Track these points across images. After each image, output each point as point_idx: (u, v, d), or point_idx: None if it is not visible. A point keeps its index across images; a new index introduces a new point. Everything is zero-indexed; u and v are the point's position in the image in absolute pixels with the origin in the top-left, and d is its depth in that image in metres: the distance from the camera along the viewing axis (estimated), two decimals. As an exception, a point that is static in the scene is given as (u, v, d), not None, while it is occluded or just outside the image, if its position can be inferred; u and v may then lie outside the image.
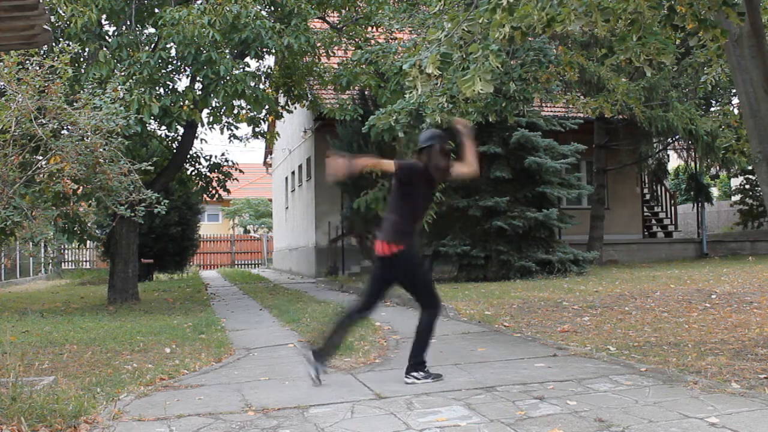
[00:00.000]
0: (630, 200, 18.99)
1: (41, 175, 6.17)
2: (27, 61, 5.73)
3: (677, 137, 16.66)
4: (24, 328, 7.80)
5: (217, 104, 10.37)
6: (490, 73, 4.38)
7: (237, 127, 13.00)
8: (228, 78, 9.51)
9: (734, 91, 9.44)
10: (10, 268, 18.14)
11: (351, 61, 11.36)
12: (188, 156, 12.92)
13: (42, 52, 7.73)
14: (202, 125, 11.05)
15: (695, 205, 19.18)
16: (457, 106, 6.93)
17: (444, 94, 6.35)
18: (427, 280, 4.74)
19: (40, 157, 6.32)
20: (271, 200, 29.95)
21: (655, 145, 18.04)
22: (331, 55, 12.04)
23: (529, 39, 6.64)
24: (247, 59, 10.79)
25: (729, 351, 5.04)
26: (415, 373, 4.53)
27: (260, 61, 11.94)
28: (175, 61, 10.11)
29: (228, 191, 14.48)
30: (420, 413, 3.75)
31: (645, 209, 20.03)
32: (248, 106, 10.80)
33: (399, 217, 4.57)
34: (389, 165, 4.63)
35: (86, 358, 5.71)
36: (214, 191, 13.98)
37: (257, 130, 12.88)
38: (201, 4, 9.86)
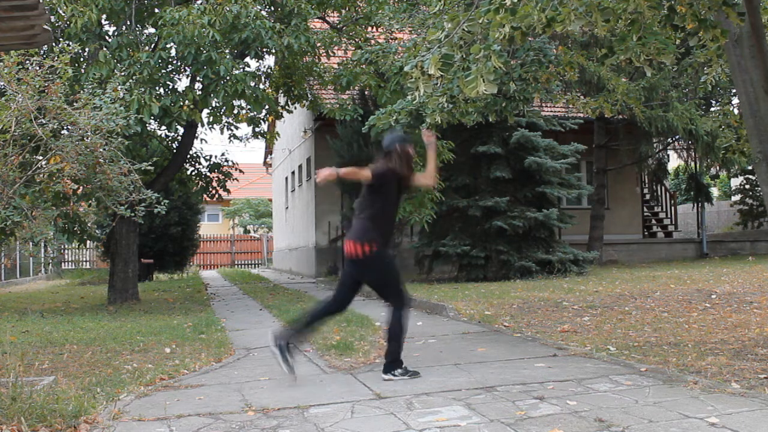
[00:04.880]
0: (630, 200, 18.98)
1: (41, 175, 6.17)
2: (27, 61, 5.73)
3: (677, 137, 16.66)
4: (24, 328, 7.80)
5: (217, 104, 10.36)
6: (492, 73, 4.37)
7: (237, 127, 13.00)
8: (228, 78, 9.50)
9: (734, 91, 9.44)
10: (10, 268, 18.14)
11: (351, 61, 11.35)
12: (188, 156, 12.92)
13: (42, 52, 7.73)
14: (202, 125, 11.05)
15: (695, 205, 19.18)
16: (457, 106, 6.93)
17: (444, 94, 6.35)
18: (395, 281, 4.75)
19: (40, 157, 6.32)
20: (271, 200, 29.95)
21: (655, 145, 18.04)
22: (331, 55, 12.03)
23: (529, 39, 6.64)
24: (247, 59, 10.79)
25: (729, 351, 5.04)
26: (393, 371, 4.62)
27: (260, 61, 11.96)
28: (175, 61, 10.10)
29: (228, 191, 14.47)
30: (420, 413, 3.75)
31: (645, 209, 20.03)
32: (248, 106, 10.80)
33: (370, 221, 4.66)
34: (366, 174, 4.71)
35: (86, 358, 5.71)
36: (214, 191, 13.98)
37: (257, 130, 12.88)
38: (201, 4, 9.86)
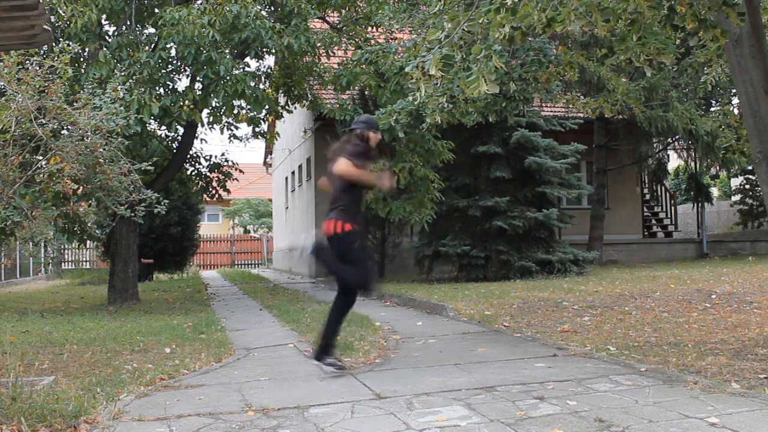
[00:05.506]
0: (630, 200, 18.98)
1: (41, 175, 6.17)
2: (27, 61, 5.73)
3: (677, 137, 16.67)
4: (24, 328, 7.80)
5: (217, 104, 10.36)
6: (494, 73, 4.38)
7: (237, 127, 13.00)
8: (228, 78, 9.50)
9: (734, 91, 9.44)
10: (10, 268, 18.15)
11: (351, 61, 11.36)
12: (188, 156, 12.92)
13: (42, 52, 7.73)
14: (202, 125, 11.05)
15: (695, 205, 19.19)
16: (458, 106, 6.94)
17: (444, 94, 6.35)
18: (357, 262, 4.92)
19: (40, 157, 6.32)
20: (271, 200, 29.95)
21: (655, 145, 18.05)
22: (331, 55, 12.03)
23: (529, 39, 6.65)
24: (247, 59, 10.79)
25: (729, 351, 5.04)
26: (324, 359, 4.80)
27: (260, 61, 11.95)
28: (175, 61, 10.11)
29: (228, 191, 14.47)
30: (420, 413, 3.74)
31: (645, 209, 20.03)
32: (248, 106, 10.79)
33: (350, 203, 5.11)
34: (373, 178, 5.13)
35: (86, 358, 5.71)
36: (214, 191, 13.98)
37: (257, 130, 12.87)
38: (201, 4, 9.86)
